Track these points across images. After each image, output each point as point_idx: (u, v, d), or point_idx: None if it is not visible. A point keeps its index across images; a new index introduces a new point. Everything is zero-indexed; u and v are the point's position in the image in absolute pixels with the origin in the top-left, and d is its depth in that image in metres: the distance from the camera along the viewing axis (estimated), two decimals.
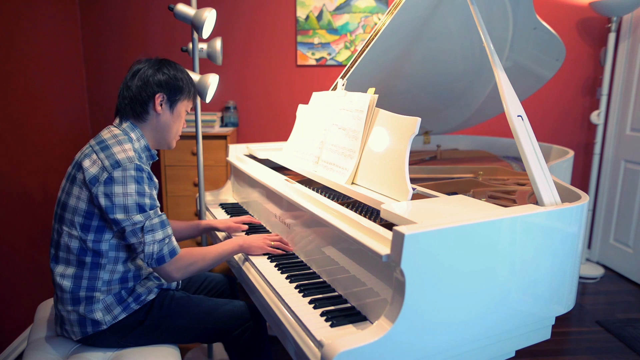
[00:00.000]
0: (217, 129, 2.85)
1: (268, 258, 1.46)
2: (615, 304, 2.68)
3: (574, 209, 1.15)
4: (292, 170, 1.67)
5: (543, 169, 1.18)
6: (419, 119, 1.22)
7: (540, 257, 1.11)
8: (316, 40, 3.03)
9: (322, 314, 1.08)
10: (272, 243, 1.48)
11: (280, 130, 3.15)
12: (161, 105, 1.35)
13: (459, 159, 2.34)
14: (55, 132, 2.49)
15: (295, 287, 1.24)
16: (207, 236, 2.08)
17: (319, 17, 3.00)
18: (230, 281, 1.74)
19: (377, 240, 1.02)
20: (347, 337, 0.89)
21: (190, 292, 1.61)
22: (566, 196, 1.27)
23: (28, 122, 2.22)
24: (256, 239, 1.48)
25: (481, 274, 1.02)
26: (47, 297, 1.86)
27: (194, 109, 1.92)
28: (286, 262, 1.41)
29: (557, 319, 1.21)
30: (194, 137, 2.35)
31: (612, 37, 2.94)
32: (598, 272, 3.07)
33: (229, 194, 2.22)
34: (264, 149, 2.03)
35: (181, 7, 1.79)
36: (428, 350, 0.98)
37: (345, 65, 2.76)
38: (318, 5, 2.98)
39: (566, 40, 3.00)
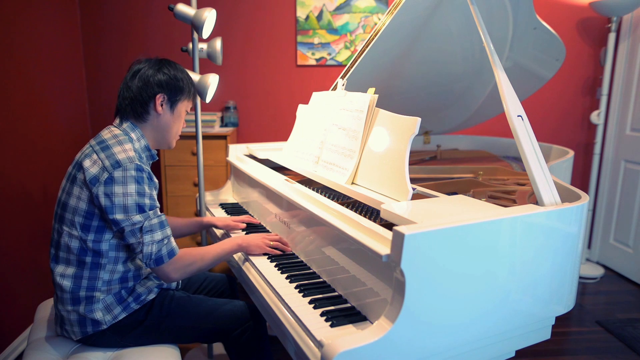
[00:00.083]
0: (217, 129, 2.85)
1: (268, 258, 1.46)
2: (615, 304, 2.68)
3: (574, 209, 1.15)
4: (292, 170, 1.67)
5: (543, 169, 1.18)
6: (419, 119, 1.22)
7: (540, 257, 1.11)
8: (316, 40, 3.03)
9: (322, 314, 1.08)
10: (271, 243, 1.48)
11: (280, 130, 3.15)
12: (162, 105, 1.35)
13: (459, 159, 2.34)
14: (55, 132, 2.49)
15: (295, 287, 1.24)
16: (207, 236, 2.08)
17: (319, 17, 3.00)
18: (230, 281, 1.74)
19: (377, 240, 1.02)
20: (347, 337, 0.89)
21: (190, 292, 1.61)
22: (566, 196, 1.27)
23: (28, 122, 2.22)
24: (255, 238, 1.48)
25: (481, 274, 1.02)
26: (47, 297, 1.86)
27: (194, 109, 1.92)
28: (286, 262, 1.41)
29: (557, 319, 1.21)
30: (194, 137, 2.35)
31: (612, 37, 2.94)
32: (598, 272, 3.07)
33: (229, 194, 2.22)
34: (264, 149, 2.03)
35: (181, 7, 1.79)
36: (428, 350, 0.98)
37: (345, 65, 2.76)
38: (318, 5, 2.98)
39: (566, 40, 3.00)
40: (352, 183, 1.39)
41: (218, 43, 1.90)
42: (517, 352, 1.16)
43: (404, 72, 1.96)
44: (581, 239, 1.20)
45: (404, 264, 0.89)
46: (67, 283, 1.26)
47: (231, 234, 1.68)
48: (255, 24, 3.00)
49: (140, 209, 1.22)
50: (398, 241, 0.90)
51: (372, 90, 1.44)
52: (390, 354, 0.91)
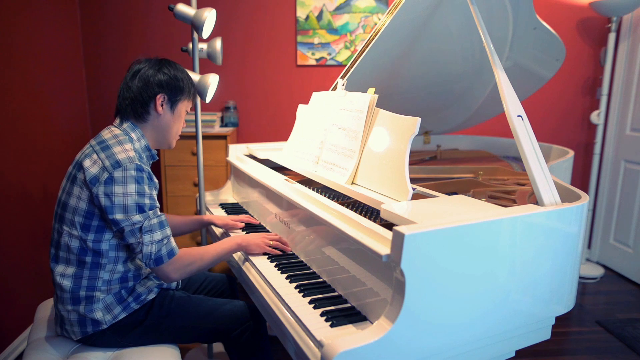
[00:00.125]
0: (217, 129, 2.85)
1: (268, 258, 1.46)
2: (615, 304, 2.68)
3: (574, 209, 1.15)
4: (292, 170, 1.67)
5: (543, 169, 1.18)
6: (419, 119, 1.22)
7: (540, 257, 1.11)
8: (316, 40, 3.03)
9: (322, 314, 1.08)
10: (271, 242, 1.48)
11: (280, 130, 3.15)
12: (162, 105, 1.35)
13: (459, 159, 2.34)
14: (55, 132, 2.49)
15: (295, 287, 1.24)
16: (207, 236, 2.08)
17: (319, 17, 3.00)
18: (230, 281, 1.74)
19: (377, 240, 1.02)
20: (347, 337, 0.89)
21: (190, 291, 1.61)
22: (566, 196, 1.27)
23: (28, 122, 2.22)
24: (255, 237, 1.48)
25: (481, 275, 1.02)
26: (47, 297, 1.86)
27: (194, 108, 1.92)
28: (286, 262, 1.41)
29: (557, 319, 1.21)
30: (194, 137, 2.35)
31: (612, 37, 2.94)
32: (598, 272, 3.07)
33: (229, 194, 2.22)
34: (264, 149, 2.03)
35: (181, 7, 1.79)
36: (428, 350, 0.98)
37: (345, 65, 2.76)
38: (318, 5, 2.98)
39: (566, 40, 3.00)
40: (352, 183, 1.39)
41: (218, 43, 1.90)
42: (517, 352, 1.16)
43: (404, 72, 1.96)
44: (581, 239, 1.20)
45: (404, 264, 0.89)
46: (67, 283, 1.26)
47: (230, 234, 1.68)
48: (255, 24, 3.00)
49: (140, 209, 1.22)
50: (398, 241, 0.90)
51: (372, 90, 1.44)
52: (390, 354, 0.91)
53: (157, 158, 1.44)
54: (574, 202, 1.17)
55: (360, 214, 1.35)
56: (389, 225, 1.03)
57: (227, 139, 2.67)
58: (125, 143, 1.27)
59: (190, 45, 1.87)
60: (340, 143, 1.47)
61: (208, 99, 1.82)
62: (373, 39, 1.61)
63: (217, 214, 1.97)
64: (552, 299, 1.17)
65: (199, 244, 2.68)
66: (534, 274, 1.11)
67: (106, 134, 1.31)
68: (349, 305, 1.14)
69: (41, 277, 2.29)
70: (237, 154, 2.17)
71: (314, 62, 3.07)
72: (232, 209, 2.02)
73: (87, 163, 1.23)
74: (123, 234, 1.23)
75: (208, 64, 2.84)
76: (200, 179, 2.01)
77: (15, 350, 2.09)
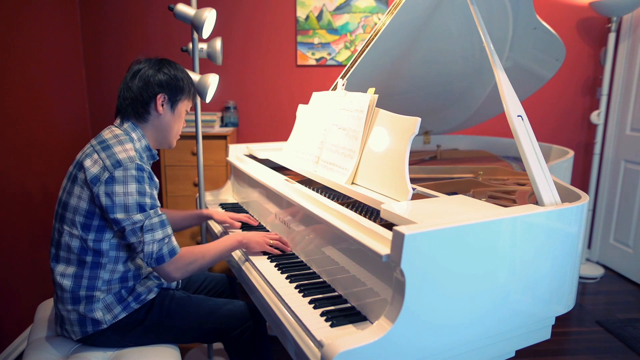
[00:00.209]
0: (217, 129, 2.85)
1: (268, 258, 1.46)
2: (615, 304, 2.68)
3: (574, 209, 1.15)
4: (292, 170, 1.67)
5: (543, 169, 1.18)
6: (419, 119, 1.22)
7: (540, 257, 1.11)
8: (316, 40, 3.03)
9: (322, 314, 1.08)
10: (272, 242, 1.48)
11: (280, 130, 3.15)
12: (162, 105, 1.35)
13: (459, 159, 2.34)
14: (55, 132, 2.49)
15: (295, 287, 1.24)
16: (207, 237, 2.08)
17: (319, 17, 3.00)
18: (230, 281, 1.74)
19: (377, 240, 1.02)
20: (347, 337, 0.89)
21: (190, 291, 1.61)
22: (566, 196, 1.27)
23: (28, 122, 2.22)
24: (256, 235, 1.48)
25: (481, 274, 1.02)
26: (47, 297, 1.86)
27: (194, 108, 1.92)
28: (286, 262, 1.41)
29: (557, 319, 1.21)
30: (194, 137, 2.35)
31: (612, 37, 2.94)
32: (598, 272, 3.07)
33: (229, 194, 2.22)
34: (264, 149, 2.03)
35: (181, 7, 1.79)
36: (428, 350, 0.98)
37: (345, 65, 2.76)
38: (318, 5, 2.98)
39: (566, 40, 3.00)
40: (352, 183, 1.39)
41: (218, 43, 1.90)
42: (517, 352, 1.16)
43: (404, 72, 1.96)
44: (581, 239, 1.20)
45: (404, 264, 0.89)
46: (67, 282, 1.26)
47: (229, 232, 1.68)
48: (255, 24, 3.00)
49: (141, 208, 1.22)
50: (398, 241, 0.90)
51: (372, 90, 1.44)
52: (390, 354, 0.91)
53: (158, 158, 1.44)
54: (574, 202, 1.17)
55: (360, 214, 1.35)
56: (389, 225, 1.03)
57: (227, 139, 2.67)
58: (125, 143, 1.27)
59: (190, 45, 1.87)
60: (340, 143, 1.47)
61: (208, 99, 1.82)
62: (373, 39, 1.61)
63: None
64: (552, 299, 1.17)
65: (199, 243, 2.68)
66: (534, 274, 1.11)
67: (107, 133, 1.31)
68: (349, 305, 1.14)
69: (41, 277, 2.29)
70: (237, 154, 2.17)
71: (314, 62, 3.07)
72: (232, 209, 2.02)
73: (87, 163, 1.23)
74: (124, 234, 1.23)
75: (208, 64, 2.84)
76: (200, 179, 2.01)
77: (15, 350, 2.09)
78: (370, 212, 1.40)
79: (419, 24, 1.68)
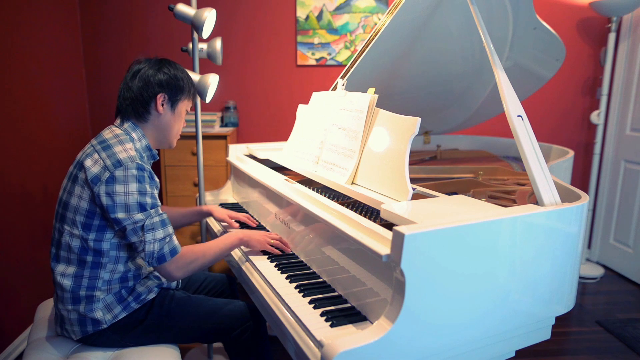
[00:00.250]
0: (217, 129, 2.85)
1: (268, 258, 1.46)
2: (615, 304, 2.68)
3: (574, 209, 1.15)
4: (292, 170, 1.67)
5: (543, 169, 1.18)
6: (419, 119, 1.22)
7: (540, 257, 1.11)
8: (316, 40, 3.03)
9: (322, 314, 1.08)
10: (272, 241, 1.48)
11: (280, 130, 3.15)
12: (162, 105, 1.36)
13: (459, 159, 2.34)
14: (55, 132, 2.49)
15: (295, 287, 1.24)
16: (207, 237, 2.08)
17: (319, 17, 3.00)
18: (230, 281, 1.74)
19: (377, 240, 1.02)
20: (347, 337, 0.89)
21: (190, 291, 1.61)
22: (566, 196, 1.27)
23: (28, 122, 2.22)
24: (257, 234, 1.49)
25: (481, 274, 1.02)
26: (47, 297, 1.86)
27: (194, 108, 1.92)
28: (286, 262, 1.41)
29: (557, 319, 1.21)
30: (194, 137, 2.35)
31: (612, 37, 2.94)
32: (598, 272, 3.07)
33: (229, 194, 2.22)
34: (264, 149, 2.03)
35: (181, 7, 1.79)
36: (428, 350, 0.98)
37: (345, 65, 2.76)
38: (318, 5, 2.98)
39: (566, 40, 3.00)
40: (352, 183, 1.39)
41: (218, 43, 1.90)
42: (517, 352, 1.16)
43: (404, 72, 1.96)
44: (581, 239, 1.20)
45: (404, 264, 0.89)
46: (67, 282, 1.26)
47: (228, 231, 1.68)
48: (255, 24, 3.00)
49: (142, 207, 1.22)
50: (398, 241, 0.90)
51: (372, 90, 1.44)
52: (390, 354, 0.91)
53: (158, 158, 1.44)
54: (574, 202, 1.17)
55: (360, 214, 1.35)
56: (389, 225, 1.03)
57: (227, 139, 2.67)
58: (126, 142, 1.27)
59: (190, 45, 1.87)
60: (340, 143, 1.47)
61: (208, 99, 1.82)
62: (373, 39, 1.61)
63: None
64: (552, 299, 1.17)
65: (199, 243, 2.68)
66: (534, 274, 1.11)
67: (107, 133, 1.31)
68: (349, 305, 1.14)
69: (41, 277, 2.29)
70: (237, 154, 2.17)
71: (314, 62, 3.07)
72: (232, 209, 2.02)
73: (88, 162, 1.23)
74: (125, 233, 1.23)
75: (208, 64, 2.84)
76: (200, 179, 2.01)
77: (15, 350, 2.09)
78: (370, 212, 1.40)
79: (419, 24, 1.68)
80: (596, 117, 3.05)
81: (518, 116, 1.20)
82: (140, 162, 1.24)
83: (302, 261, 1.43)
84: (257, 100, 3.11)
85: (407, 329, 0.92)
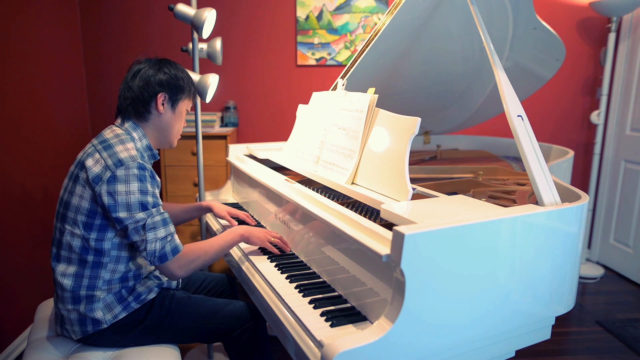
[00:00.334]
0: (217, 129, 2.85)
1: (268, 258, 1.46)
2: (615, 304, 2.68)
3: (574, 209, 1.15)
4: (292, 170, 1.67)
5: (543, 169, 1.18)
6: (419, 119, 1.22)
7: (540, 257, 1.11)
8: (316, 40, 3.04)
9: (322, 314, 1.08)
10: (273, 239, 1.49)
11: (280, 130, 3.15)
12: (163, 104, 1.36)
13: (459, 159, 2.34)
14: (55, 132, 2.49)
15: (295, 287, 1.24)
16: (207, 236, 2.08)
17: (319, 17, 3.00)
18: (230, 281, 1.74)
19: (377, 240, 1.02)
20: (347, 337, 0.89)
21: (190, 291, 1.62)
22: (566, 196, 1.27)
23: (28, 122, 2.22)
24: (258, 230, 1.49)
25: (481, 275, 1.02)
26: (47, 297, 1.87)
27: (194, 108, 1.92)
28: (286, 262, 1.41)
29: (557, 319, 1.21)
30: (194, 137, 2.35)
31: (612, 37, 2.94)
32: (598, 272, 3.07)
33: (229, 194, 2.22)
34: (264, 149, 2.03)
35: (181, 7, 1.79)
36: (428, 350, 0.98)
37: (345, 65, 2.76)
38: (318, 5, 2.98)
39: (566, 40, 3.00)
40: (352, 183, 1.39)
41: (218, 43, 1.90)
42: (517, 352, 1.16)
43: (404, 72, 1.96)
44: (581, 239, 1.20)
45: (404, 264, 0.90)
46: (67, 282, 1.26)
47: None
48: (255, 24, 3.00)
49: (143, 206, 1.22)
50: (398, 241, 0.90)
51: (372, 90, 1.44)
52: (390, 354, 0.91)
53: (159, 157, 1.45)
54: (574, 202, 1.17)
55: (360, 214, 1.35)
56: (389, 225, 1.03)
57: (227, 139, 2.67)
58: (127, 142, 1.27)
59: (190, 45, 1.87)
60: (340, 143, 1.47)
61: (208, 99, 1.82)
62: (373, 39, 1.61)
63: None
64: (552, 299, 1.17)
65: None
66: (534, 274, 1.11)
67: (108, 133, 1.31)
68: (349, 305, 1.14)
69: (41, 277, 2.29)
70: (237, 154, 2.17)
71: (314, 62, 3.07)
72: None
73: (89, 162, 1.23)
74: (127, 232, 1.23)
75: (208, 64, 2.85)
76: (200, 179, 2.01)
77: (15, 350, 2.09)
78: (370, 212, 1.40)
79: (419, 24, 1.68)
80: (596, 117, 3.05)
81: (518, 116, 1.20)
82: (141, 162, 1.24)
83: (302, 261, 1.43)
84: (257, 100, 3.11)
85: (407, 329, 0.92)
